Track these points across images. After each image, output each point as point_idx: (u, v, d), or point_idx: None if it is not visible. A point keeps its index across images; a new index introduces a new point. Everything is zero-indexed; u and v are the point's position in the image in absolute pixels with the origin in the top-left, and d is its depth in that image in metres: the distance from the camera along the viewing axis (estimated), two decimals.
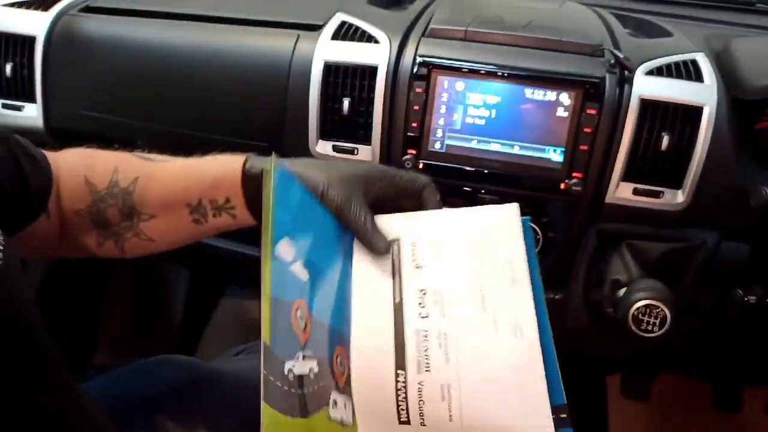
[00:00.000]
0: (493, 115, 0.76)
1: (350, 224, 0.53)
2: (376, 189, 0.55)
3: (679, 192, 0.76)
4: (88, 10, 0.94)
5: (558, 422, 0.45)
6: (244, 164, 0.56)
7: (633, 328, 0.70)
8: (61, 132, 0.94)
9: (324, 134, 0.80)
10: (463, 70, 0.75)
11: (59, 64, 0.91)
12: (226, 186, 0.57)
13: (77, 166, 0.60)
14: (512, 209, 0.52)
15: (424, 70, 0.76)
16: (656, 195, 0.76)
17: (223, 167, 0.57)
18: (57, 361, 0.48)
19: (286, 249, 0.46)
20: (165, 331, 1.46)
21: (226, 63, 0.86)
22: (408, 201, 0.56)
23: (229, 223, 0.59)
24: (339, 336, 0.48)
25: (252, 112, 0.86)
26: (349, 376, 0.47)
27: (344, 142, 0.80)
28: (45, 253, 0.63)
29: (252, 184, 0.56)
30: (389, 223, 0.54)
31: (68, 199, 0.59)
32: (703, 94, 0.74)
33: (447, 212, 0.54)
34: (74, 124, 0.94)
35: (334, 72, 0.78)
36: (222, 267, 1.41)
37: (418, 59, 0.76)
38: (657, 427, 1.32)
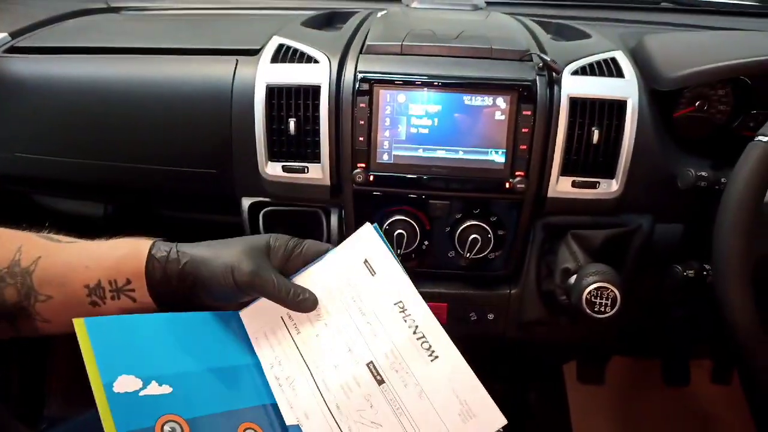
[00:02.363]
0: (436, 124, 0.78)
1: (266, 295, 0.57)
2: (280, 257, 0.59)
3: (613, 181, 0.81)
4: (15, 50, 0.92)
5: None
6: (151, 248, 0.57)
7: (587, 311, 0.73)
8: None
9: (273, 156, 0.81)
10: (403, 82, 0.78)
11: None
12: (128, 268, 0.57)
13: None
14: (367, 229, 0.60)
15: (365, 86, 0.78)
16: (593, 186, 0.81)
17: (126, 249, 0.58)
18: (5, 415, 0.47)
19: (127, 383, 0.48)
20: None
21: (166, 93, 0.85)
22: None
23: (128, 307, 0.58)
24: (244, 414, 0.52)
25: (197, 140, 0.85)
26: None
27: (294, 162, 0.81)
28: None
29: (157, 269, 0.57)
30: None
31: None
32: (625, 88, 0.80)
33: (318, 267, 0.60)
34: (10, 167, 0.91)
35: (277, 94, 0.79)
36: None
37: (359, 75, 0.78)
38: (614, 407, 1.38)
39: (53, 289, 0.57)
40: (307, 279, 0.59)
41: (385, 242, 0.59)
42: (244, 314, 0.59)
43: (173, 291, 0.57)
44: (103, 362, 0.48)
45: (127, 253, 0.57)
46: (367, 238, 0.60)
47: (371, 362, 0.54)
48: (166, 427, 0.47)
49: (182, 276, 0.57)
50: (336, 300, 0.58)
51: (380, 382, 0.53)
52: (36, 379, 1.33)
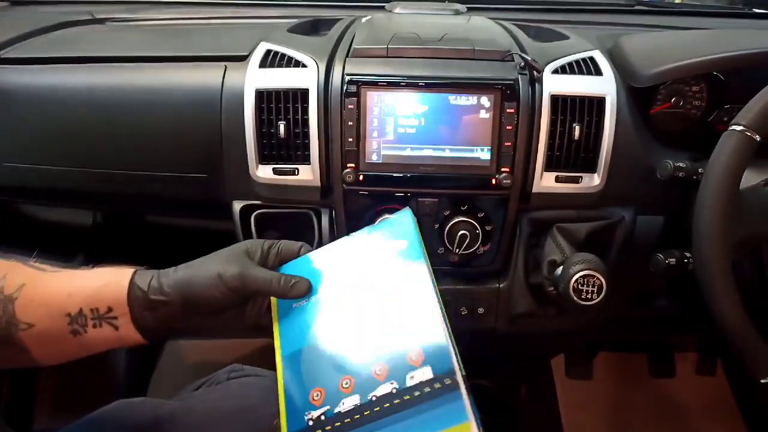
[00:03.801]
0: (423, 123, 0.80)
1: (258, 289, 0.59)
2: (258, 259, 0.61)
3: (595, 175, 0.83)
4: (1, 61, 0.92)
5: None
6: (133, 275, 0.58)
7: (574, 299, 0.75)
8: None
9: (263, 159, 0.83)
10: (390, 84, 0.80)
11: None
12: (109, 294, 0.57)
13: None
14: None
15: (353, 88, 0.80)
16: (576, 180, 0.83)
17: (109, 277, 0.58)
18: None
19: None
20: (107, 385, 1.40)
21: (155, 100, 0.86)
22: None
23: (110, 337, 0.57)
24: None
25: (188, 146, 0.86)
26: None
27: (284, 164, 0.83)
28: None
29: (139, 296, 0.57)
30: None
31: None
32: (604, 85, 0.82)
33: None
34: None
35: (266, 98, 0.81)
36: None
37: (347, 78, 0.80)
38: (602, 401, 1.40)
39: (35, 318, 0.56)
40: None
41: (415, 228, 0.63)
42: None
43: (158, 318, 0.57)
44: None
45: (109, 281, 0.57)
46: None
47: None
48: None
49: (167, 301, 0.57)
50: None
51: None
52: (25, 394, 1.31)
